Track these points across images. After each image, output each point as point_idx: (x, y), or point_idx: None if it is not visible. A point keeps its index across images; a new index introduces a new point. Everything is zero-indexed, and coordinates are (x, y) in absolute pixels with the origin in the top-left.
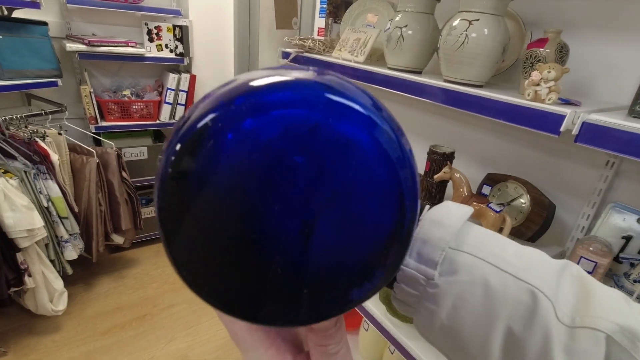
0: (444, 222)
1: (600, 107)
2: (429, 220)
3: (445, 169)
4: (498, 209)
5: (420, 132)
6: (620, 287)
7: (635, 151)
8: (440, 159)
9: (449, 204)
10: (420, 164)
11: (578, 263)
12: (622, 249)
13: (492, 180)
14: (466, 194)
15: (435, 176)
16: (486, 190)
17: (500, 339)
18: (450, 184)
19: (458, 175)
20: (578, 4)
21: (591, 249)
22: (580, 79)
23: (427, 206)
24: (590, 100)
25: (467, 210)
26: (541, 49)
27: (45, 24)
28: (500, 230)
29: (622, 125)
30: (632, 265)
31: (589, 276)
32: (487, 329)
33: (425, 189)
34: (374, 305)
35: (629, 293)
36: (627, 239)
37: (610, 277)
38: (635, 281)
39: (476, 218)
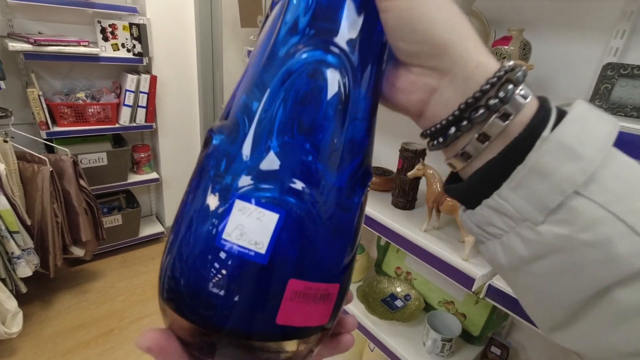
0: (581, 151)
1: (561, 102)
2: (558, 143)
3: (419, 166)
4: None
5: (392, 130)
6: None
7: None
8: (412, 156)
9: (587, 113)
10: (393, 161)
11: None
12: None
13: None
14: (439, 189)
15: (409, 173)
16: None
17: (595, 301)
18: (423, 180)
19: (431, 172)
20: (537, 4)
21: None
22: (541, 75)
23: (555, 109)
24: (551, 96)
25: (614, 126)
26: (506, 47)
27: None
28: None
29: None
30: None
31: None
32: (583, 291)
33: (398, 186)
34: (352, 304)
35: None
36: None
37: None
38: None
39: (450, 213)
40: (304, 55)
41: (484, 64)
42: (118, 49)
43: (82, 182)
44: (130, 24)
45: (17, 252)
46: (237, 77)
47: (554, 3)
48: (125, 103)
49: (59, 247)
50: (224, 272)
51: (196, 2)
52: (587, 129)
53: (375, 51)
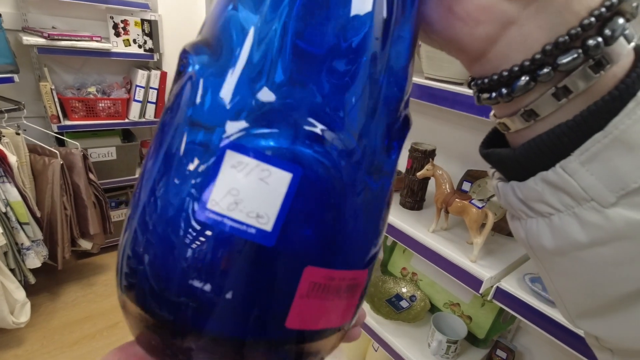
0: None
1: None
2: None
3: (428, 167)
4: (480, 205)
5: None
6: None
7: None
8: (421, 156)
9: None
10: (402, 161)
11: None
12: None
13: (472, 176)
14: (448, 190)
15: (418, 173)
16: (466, 186)
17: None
18: (432, 181)
19: (440, 172)
20: None
21: None
22: None
23: None
24: None
25: None
26: None
27: None
28: (482, 226)
29: None
30: None
31: None
32: (631, 281)
33: (407, 186)
34: None
35: None
36: None
37: None
38: None
39: (459, 214)
40: None
41: None
42: (129, 45)
43: (91, 176)
44: (142, 20)
45: (27, 243)
46: None
47: None
48: (135, 98)
49: (68, 239)
50: (208, 256)
51: None
52: None
53: None
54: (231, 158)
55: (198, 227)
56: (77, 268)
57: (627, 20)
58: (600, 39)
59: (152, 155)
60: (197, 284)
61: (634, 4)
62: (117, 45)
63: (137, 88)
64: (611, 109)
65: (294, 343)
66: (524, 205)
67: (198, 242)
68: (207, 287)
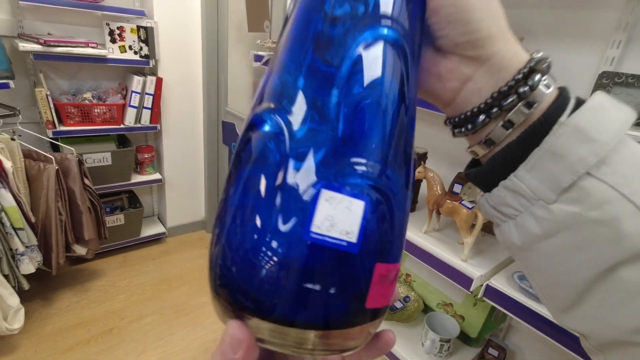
0: (595, 135)
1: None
2: (574, 127)
3: (420, 169)
4: (470, 206)
5: None
6: None
7: None
8: None
9: (604, 102)
10: None
11: None
12: None
13: (463, 179)
14: (440, 192)
15: None
16: (457, 188)
17: (600, 278)
18: (424, 183)
19: (432, 175)
20: (536, 13)
21: None
22: None
23: (573, 100)
24: None
25: (630, 116)
26: None
27: None
28: (472, 227)
29: None
30: None
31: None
32: (590, 268)
33: None
34: None
35: None
36: None
37: None
38: None
39: (450, 215)
40: (366, 29)
41: (518, 54)
42: (125, 51)
43: (86, 181)
44: (138, 27)
45: (21, 248)
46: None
47: (553, 13)
48: (131, 104)
49: (62, 245)
50: (318, 265)
51: (202, 6)
52: (603, 116)
53: (416, 38)
54: (325, 194)
55: (308, 244)
56: (71, 274)
57: (543, 75)
58: (527, 88)
59: (242, 191)
60: (309, 285)
61: (544, 65)
62: (113, 52)
63: (133, 94)
64: (542, 130)
65: (370, 319)
66: (495, 210)
67: (308, 256)
68: (317, 287)
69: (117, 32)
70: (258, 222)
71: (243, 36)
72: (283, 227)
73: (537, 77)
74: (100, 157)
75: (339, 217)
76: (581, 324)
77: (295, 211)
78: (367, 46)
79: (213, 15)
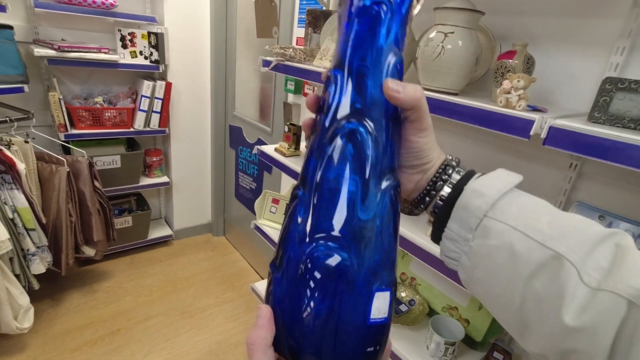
0: (484, 192)
1: (563, 113)
2: (471, 189)
3: None
4: None
5: None
6: None
7: (595, 152)
8: None
9: (497, 174)
10: None
11: None
12: None
13: None
14: None
15: None
16: None
17: (522, 292)
18: None
19: None
20: (541, 20)
21: None
22: (542, 89)
23: (476, 175)
24: (552, 108)
25: (511, 180)
26: (510, 60)
27: (10, 27)
28: None
29: (584, 129)
30: None
31: (634, 246)
32: (511, 284)
33: None
34: None
35: None
36: None
37: None
38: None
39: None
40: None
41: (440, 157)
42: (136, 56)
43: (96, 184)
44: (149, 33)
45: (32, 249)
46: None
47: (557, 20)
48: (141, 108)
49: (72, 246)
50: (375, 337)
51: (212, 13)
52: (491, 181)
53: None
54: (377, 295)
55: (369, 327)
56: (79, 275)
57: (453, 168)
58: (446, 176)
59: (307, 292)
60: (370, 349)
61: (453, 163)
62: (124, 57)
63: (143, 98)
64: (455, 197)
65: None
66: (447, 257)
67: (368, 331)
68: (372, 349)
69: (129, 37)
70: (333, 317)
71: (251, 42)
72: (351, 319)
73: (450, 170)
74: (110, 159)
75: (381, 305)
76: (535, 344)
77: (360, 308)
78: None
79: (222, 21)
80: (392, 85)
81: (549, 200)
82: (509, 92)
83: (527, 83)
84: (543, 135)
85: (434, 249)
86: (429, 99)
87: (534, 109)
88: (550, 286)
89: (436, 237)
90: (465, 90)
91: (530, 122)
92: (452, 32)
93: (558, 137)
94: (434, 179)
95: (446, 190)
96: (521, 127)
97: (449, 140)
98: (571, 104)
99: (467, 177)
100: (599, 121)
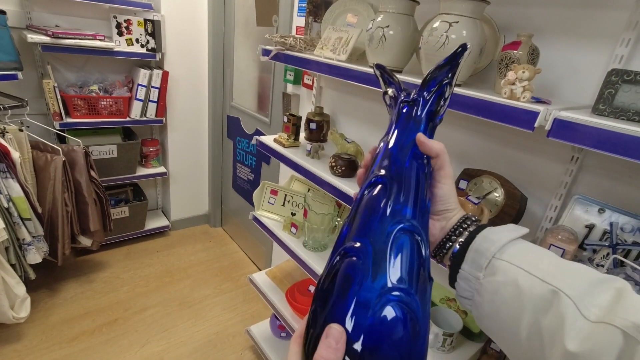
0: (494, 238)
1: (566, 105)
2: (483, 236)
3: None
4: (476, 201)
5: None
6: None
7: (599, 145)
8: None
9: (507, 227)
10: None
11: (548, 249)
12: (585, 237)
13: (468, 175)
14: None
15: None
16: (463, 184)
17: (527, 325)
18: None
19: None
20: (546, 11)
21: (559, 237)
22: (545, 81)
23: (488, 227)
24: (555, 100)
25: (519, 232)
26: (515, 51)
27: (3, 12)
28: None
29: (589, 121)
30: (595, 251)
31: (632, 290)
32: (517, 317)
33: None
34: None
35: None
36: (590, 227)
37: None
38: (598, 265)
39: None
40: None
41: (460, 212)
42: (132, 44)
43: (92, 173)
44: (145, 20)
45: (28, 238)
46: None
47: (562, 11)
48: (137, 97)
49: (68, 235)
50: None
51: (210, 1)
52: (501, 230)
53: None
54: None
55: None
56: (76, 265)
57: (471, 220)
58: (466, 225)
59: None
60: None
61: (470, 214)
62: (119, 45)
63: (139, 87)
64: (465, 249)
65: None
66: (462, 298)
67: None
68: None
69: (124, 25)
70: None
71: (249, 31)
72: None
73: (468, 221)
74: (106, 149)
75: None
76: None
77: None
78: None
79: (220, 9)
80: (422, 138)
81: (550, 192)
82: (513, 84)
83: (532, 74)
84: (547, 127)
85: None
86: None
87: (538, 101)
88: (552, 318)
89: (452, 280)
90: (468, 82)
91: (535, 114)
92: (457, 22)
93: (562, 130)
94: (456, 226)
95: (464, 236)
96: (525, 119)
97: (450, 132)
98: (574, 96)
99: (482, 227)
100: (604, 114)
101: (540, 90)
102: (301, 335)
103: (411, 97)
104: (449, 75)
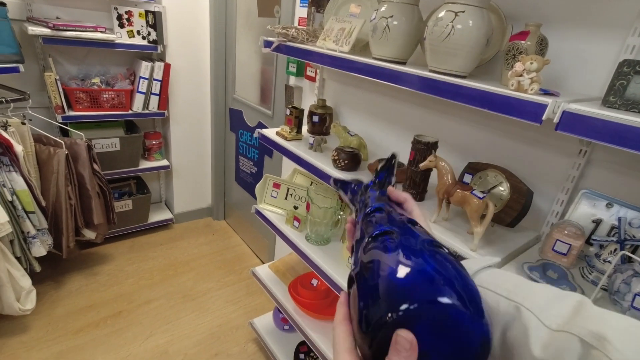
0: (469, 266)
1: (574, 97)
2: (469, 268)
3: (430, 158)
4: (481, 196)
5: (405, 123)
6: (592, 267)
7: (610, 138)
8: (424, 148)
9: (481, 258)
10: (405, 153)
11: (554, 246)
12: (592, 232)
13: (473, 168)
14: (450, 181)
15: (421, 164)
16: (467, 178)
17: (499, 341)
18: (434, 173)
19: (443, 164)
20: (554, 0)
21: (565, 232)
22: (554, 72)
23: (465, 260)
24: (564, 92)
25: (491, 260)
26: (523, 42)
27: (3, 4)
28: (482, 217)
29: (599, 114)
30: (602, 246)
31: (591, 303)
32: (499, 335)
33: (409, 177)
34: None
35: (600, 272)
36: (597, 222)
37: (583, 259)
38: (605, 261)
39: (460, 205)
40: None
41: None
42: (133, 36)
43: (95, 166)
44: (146, 11)
45: (33, 231)
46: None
47: (572, 0)
48: (139, 90)
49: (72, 228)
50: None
51: None
52: (473, 260)
53: None
54: None
55: None
56: (80, 257)
57: None
58: None
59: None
60: None
61: None
62: (121, 37)
63: (141, 80)
64: None
65: None
66: None
67: None
68: None
69: (125, 16)
70: None
71: (251, 23)
72: None
73: None
74: (108, 142)
75: None
76: None
77: None
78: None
79: (221, 1)
80: (391, 189)
81: (556, 186)
82: (521, 75)
83: (540, 65)
84: (556, 120)
85: (439, 235)
86: (435, 82)
87: (547, 93)
88: (517, 331)
89: None
90: (473, 74)
91: (543, 107)
92: (463, 11)
93: (571, 122)
94: None
95: None
96: (533, 112)
97: (455, 125)
98: (583, 88)
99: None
100: (614, 106)
101: (548, 82)
102: (346, 317)
103: (371, 181)
104: (388, 172)
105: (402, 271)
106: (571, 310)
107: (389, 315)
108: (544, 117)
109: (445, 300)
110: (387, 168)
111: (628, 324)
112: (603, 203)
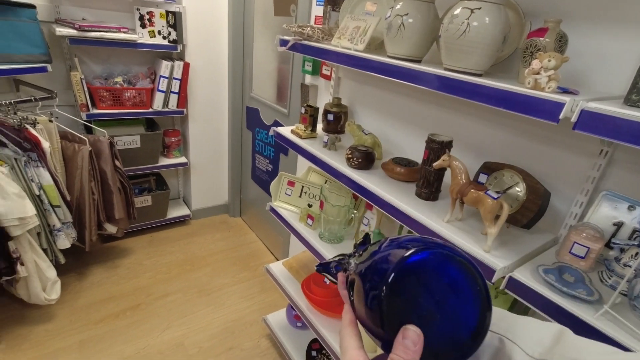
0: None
1: (595, 96)
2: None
3: (444, 157)
4: (496, 196)
5: (419, 122)
6: (612, 272)
7: (632, 138)
8: (438, 147)
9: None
10: (419, 152)
11: (571, 248)
12: (613, 235)
13: (489, 168)
14: (464, 181)
15: (434, 164)
16: (482, 178)
17: None
18: (448, 172)
19: (457, 163)
20: None
21: (584, 234)
22: (573, 69)
23: None
24: (584, 90)
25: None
26: (541, 38)
27: (33, 6)
28: (497, 218)
29: (620, 113)
30: (622, 250)
31: (571, 333)
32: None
33: (423, 177)
34: None
35: (620, 277)
36: (618, 225)
37: (602, 262)
38: (625, 265)
39: (473, 205)
40: None
41: None
42: (154, 36)
43: (117, 163)
44: (167, 12)
45: (58, 224)
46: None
47: None
48: (159, 88)
49: (95, 223)
50: None
51: None
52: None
53: None
54: None
55: None
56: (102, 251)
57: None
58: None
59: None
60: None
61: None
62: (142, 37)
63: (161, 78)
64: None
65: None
66: None
67: None
68: None
69: (147, 17)
70: None
71: (268, 22)
72: None
73: None
74: (130, 139)
75: None
76: None
77: None
78: None
79: (240, 1)
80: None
81: (575, 188)
82: (538, 73)
83: (558, 63)
84: (573, 119)
85: (451, 236)
86: (450, 80)
87: (565, 91)
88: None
89: None
90: (489, 72)
91: (560, 105)
92: (479, 8)
93: (590, 122)
94: None
95: None
96: (549, 110)
97: (470, 124)
98: (604, 86)
99: None
100: (637, 105)
101: (568, 80)
102: (352, 322)
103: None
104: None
105: (387, 251)
106: (552, 338)
107: (388, 275)
108: (561, 116)
109: (411, 251)
110: (364, 243)
111: (603, 350)
112: (625, 205)
